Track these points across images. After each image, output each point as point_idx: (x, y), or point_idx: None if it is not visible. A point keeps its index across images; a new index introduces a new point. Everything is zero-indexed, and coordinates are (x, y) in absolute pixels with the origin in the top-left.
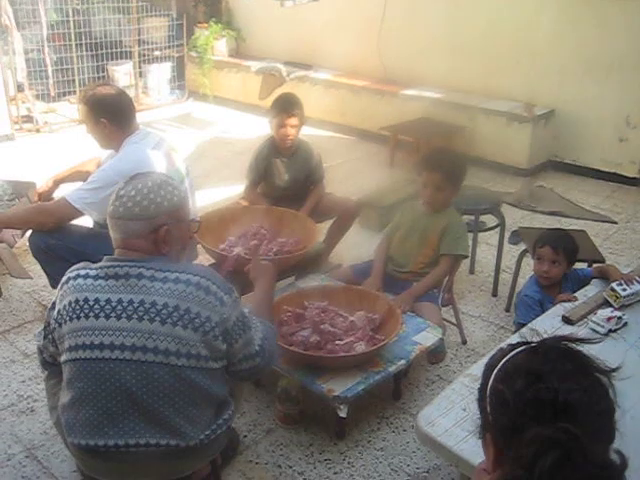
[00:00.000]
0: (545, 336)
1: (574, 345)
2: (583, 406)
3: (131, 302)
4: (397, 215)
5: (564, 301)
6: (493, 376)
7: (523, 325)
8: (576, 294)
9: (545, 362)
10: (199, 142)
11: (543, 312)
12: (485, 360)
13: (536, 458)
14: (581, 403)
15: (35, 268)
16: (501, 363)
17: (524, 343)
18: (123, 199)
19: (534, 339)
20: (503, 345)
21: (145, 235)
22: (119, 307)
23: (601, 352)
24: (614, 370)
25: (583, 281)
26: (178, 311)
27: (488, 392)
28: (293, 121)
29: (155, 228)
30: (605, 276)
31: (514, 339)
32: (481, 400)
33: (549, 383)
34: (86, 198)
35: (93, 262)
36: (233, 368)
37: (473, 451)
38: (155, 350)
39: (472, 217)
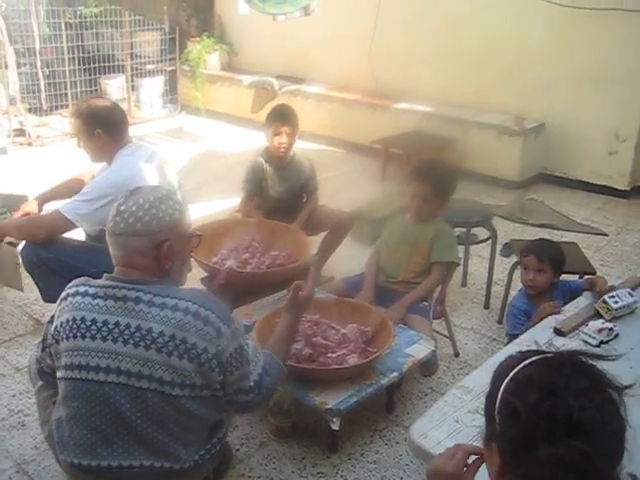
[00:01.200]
0: (556, 348)
1: (588, 360)
2: (596, 425)
3: (128, 326)
4: (386, 228)
5: (552, 313)
6: (504, 386)
7: (514, 336)
8: (567, 306)
9: (559, 376)
10: (191, 156)
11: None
12: (478, 372)
13: (554, 476)
14: (594, 422)
15: (27, 282)
16: (512, 372)
17: (535, 352)
18: (124, 214)
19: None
20: (513, 352)
21: (147, 251)
22: (116, 330)
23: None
24: (627, 387)
25: (574, 292)
26: (174, 341)
27: (498, 402)
28: (287, 130)
29: (157, 244)
30: (592, 287)
31: (521, 347)
32: (489, 408)
33: (564, 399)
34: (79, 209)
35: (88, 276)
36: (228, 398)
37: None
38: (150, 378)
39: (464, 229)
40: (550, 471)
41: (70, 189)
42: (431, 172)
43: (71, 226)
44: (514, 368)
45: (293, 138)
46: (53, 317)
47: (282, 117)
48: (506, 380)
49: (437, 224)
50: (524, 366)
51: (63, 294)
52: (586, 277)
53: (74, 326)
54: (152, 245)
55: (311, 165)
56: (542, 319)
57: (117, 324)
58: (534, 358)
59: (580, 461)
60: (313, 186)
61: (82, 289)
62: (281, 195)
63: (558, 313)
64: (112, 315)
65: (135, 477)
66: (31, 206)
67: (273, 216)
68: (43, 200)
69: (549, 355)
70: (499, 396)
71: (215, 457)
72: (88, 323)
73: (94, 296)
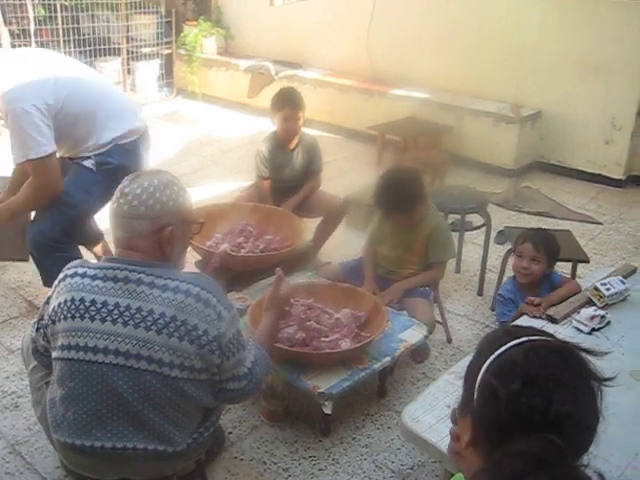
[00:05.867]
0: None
1: (575, 351)
2: (573, 420)
3: (128, 307)
4: (377, 220)
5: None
6: (487, 364)
7: (504, 323)
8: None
9: (544, 367)
10: (187, 140)
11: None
12: (470, 358)
13: (525, 474)
14: (571, 416)
15: (19, 265)
16: (498, 352)
17: (524, 330)
18: (128, 197)
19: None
20: (500, 327)
21: (149, 235)
22: (115, 311)
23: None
24: (609, 379)
25: (558, 286)
26: (175, 322)
27: (479, 379)
28: (295, 114)
29: (159, 228)
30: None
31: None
32: (469, 381)
33: (545, 391)
34: (39, 142)
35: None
36: (220, 386)
37: None
38: (149, 359)
39: (458, 216)
40: (522, 466)
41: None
42: (392, 202)
43: (52, 158)
44: (500, 345)
45: (301, 121)
46: (50, 298)
47: (289, 102)
48: (491, 358)
49: (431, 220)
50: (510, 347)
51: (61, 275)
52: (566, 278)
53: (72, 307)
54: (154, 229)
55: (317, 144)
56: (519, 316)
57: (117, 305)
58: (521, 340)
59: (552, 458)
60: (317, 166)
61: (81, 270)
62: (292, 177)
63: (539, 313)
64: (112, 297)
65: (128, 459)
66: None
67: (283, 197)
68: None
69: (536, 340)
70: (481, 373)
71: (208, 440)
72: (87, 304)
73: (93, 277)
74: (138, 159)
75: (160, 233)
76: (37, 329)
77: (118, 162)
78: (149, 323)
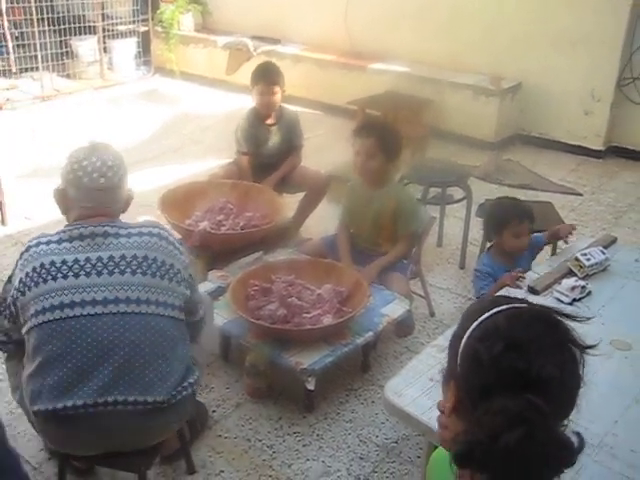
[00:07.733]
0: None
1: (558, 316)
2: (555, 382)
3: (100, 259)
4: (347, 198)
5: (511, 285)
6: (470, 329)
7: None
8: (542, 264)
9: (527, 330)
10: (166, 118)
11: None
12: (451, 331)
13: (502, 430)
14: (553, 379)
15: None
16: (482, 318)
17: (508, 299)
18: (114, 169)
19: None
20: (486, 294)
21: (124, 197)
22: (88, 265)
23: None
24: (591, 347)
25: (539, 248)
26: (147, 260)
27: (462, 344)
28: (272, 88)
29: (128, 190)
30: (556, 236)
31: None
32: (454, 347)
33: (527, 354)
34: None
35: None
36: (189, 319)
37: None
38: (127, 300)
39: (439, 189)
40: (500, 422)
41: None
42: (373, 127)
43: None
44: (484, 312)
45: (279, 95)
46: (11, 276)
47: (264, 76)
48: (474, 324)
49: (394, 193)
50: (494, 313)
51: (23, 248)
52: (546, 232)
53: (43, 272)
54: (126, 193)
55: (298, 120)
56: (500, 288)
57: (88, 260)
58: (505, 307)
59: (532, 417)
60: (298, 142)
61: (44, 239)
62: (273, 152)
63: (518, 286)
64: (81, 253)
65: (110, 415)
66: None
67: (265, 173)
68: None
69: (520, 307)
70: (464, 338)
71: (188, 403)
72: (58, 265)
73: (59, 241)
74: None
75: (127, 196)
76: (0, 312)
77: None
78: (123, 267)
